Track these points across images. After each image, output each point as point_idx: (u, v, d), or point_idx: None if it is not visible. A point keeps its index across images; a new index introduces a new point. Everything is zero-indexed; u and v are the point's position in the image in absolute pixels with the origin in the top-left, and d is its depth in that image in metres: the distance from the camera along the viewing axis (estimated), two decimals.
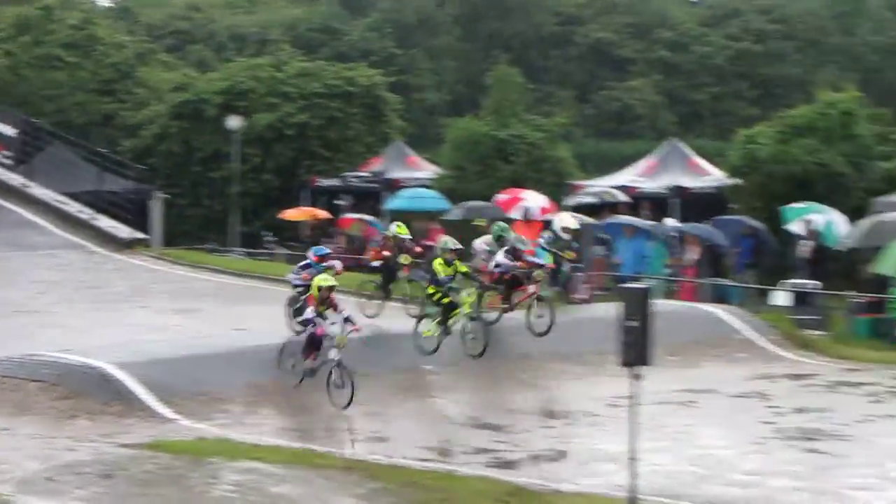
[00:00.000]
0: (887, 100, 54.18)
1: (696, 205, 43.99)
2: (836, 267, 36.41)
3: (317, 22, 78.90)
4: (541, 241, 29.88)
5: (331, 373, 23.42)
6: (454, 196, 46.85)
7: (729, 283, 37.14)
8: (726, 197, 44.88)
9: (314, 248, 26.88)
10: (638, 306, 15.95)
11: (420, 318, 26.84)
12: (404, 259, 28.35)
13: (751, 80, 77.62)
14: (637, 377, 15.91)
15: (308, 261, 26.22)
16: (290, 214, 50.40)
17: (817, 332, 32.49)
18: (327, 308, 24.14)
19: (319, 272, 25.36)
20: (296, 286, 26.56)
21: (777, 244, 38.53)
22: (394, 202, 48.70)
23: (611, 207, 43.67)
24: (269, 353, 26.84)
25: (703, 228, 38.91)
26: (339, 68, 59.83)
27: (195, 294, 38.27)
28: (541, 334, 26.81)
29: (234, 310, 34.24)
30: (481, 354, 26.13)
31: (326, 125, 56.92)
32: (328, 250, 26.70)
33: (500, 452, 21.48)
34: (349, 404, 23.18)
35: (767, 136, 44.87)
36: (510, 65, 59.25)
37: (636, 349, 15.86)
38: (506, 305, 27.20)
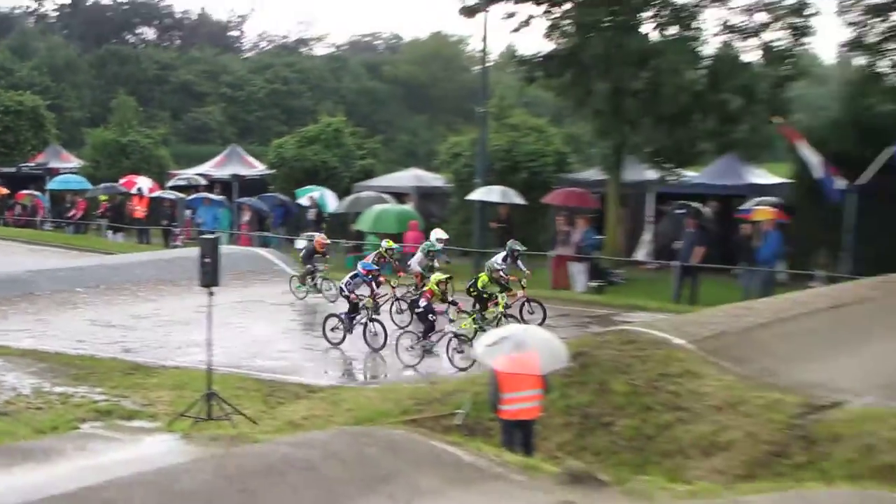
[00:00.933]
0: (362, 123, 55.39)
1: (249, 186, 43.93)
2: (332, 224, 37.03)
3: None
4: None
5: (450, 341, 19.63)
6: (93, 180, 45.62)
7: (269, 235, 37.46)
8: (267, 181, 45.01)
9: (363, 263, 22.64)
10: (211, 249, 16.13)
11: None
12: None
13: (281, 108, 78.15)
14: (211, 294, 16.06)
15: (357, 272, 21.88)
16: None
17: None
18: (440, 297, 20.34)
19: (366, 282, 21.51)
20: (347, 297, 21.47)
21: (298, 211, 38.97)
22: (52, 183, 46.91)
23: (195, 187, 43.27)
24: None
25: (253, 201, 39.11)
26: (13, 94, 57.27)
27: None
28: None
29: None
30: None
31: (4, 132, 54.41)
32: (375, 267, 22.33)
33: (126, 343, 21.19)
34: (469, 368, 18.63)
35: (291, 144, 45.07)
36: (127, 94, 57.89)
37: (210, 276, 16.05)
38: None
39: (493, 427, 13.61)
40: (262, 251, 33.11)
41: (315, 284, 26.31)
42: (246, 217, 38.44)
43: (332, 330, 21.30)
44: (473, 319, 20.96)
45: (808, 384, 13.80)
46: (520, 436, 12.60)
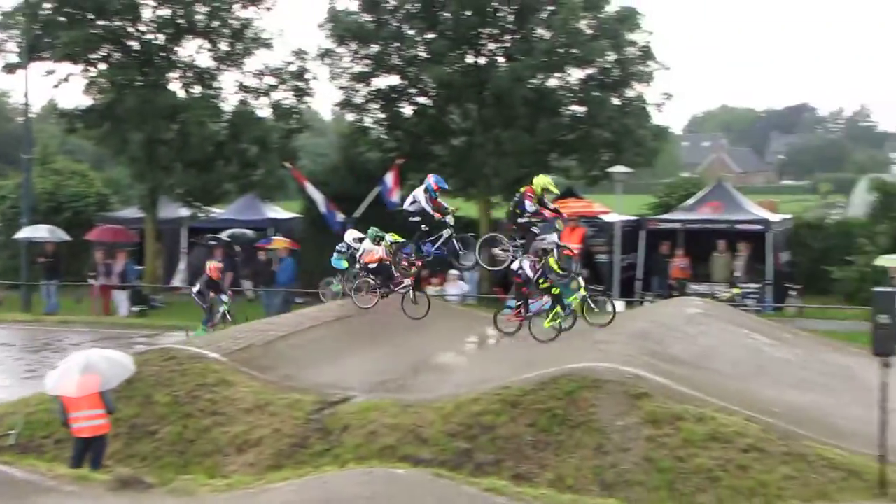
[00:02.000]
0: None
1: None
2: None
3: None
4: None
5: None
6: None
7: None
8: None
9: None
10: None
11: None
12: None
13: None
14: None
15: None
16: None
17: None
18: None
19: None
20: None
21: None
22: None
23: None
24: None
25: None
26: None
27: None
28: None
29: None
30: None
31: None
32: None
33: None
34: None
35: None
36: None
37: None
38: None
39: (45, 444, 12.76)
40: None
41: (222, 317, 20.59)
42: None
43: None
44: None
45: (323, 384, 14.07)
46: (89, 451, 11.97)
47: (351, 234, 19.25)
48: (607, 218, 28.31)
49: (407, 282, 17.42)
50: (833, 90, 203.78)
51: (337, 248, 19.21)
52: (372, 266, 17.72)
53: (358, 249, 18.37)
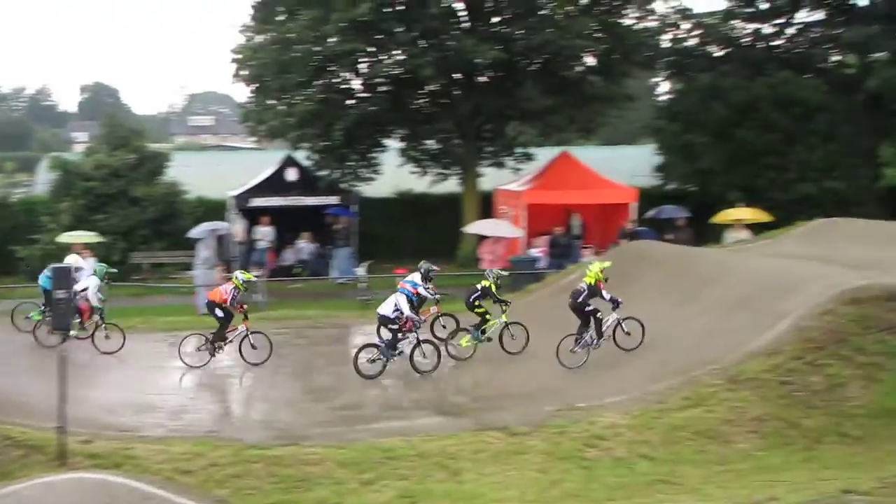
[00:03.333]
0: None
1: None
2: None
3: None
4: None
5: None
6: None
7: None
8: None
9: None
10: None
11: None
12: None
13: None
14: None
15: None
16: None
17: None
18: None
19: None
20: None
21: None
22: None
23: None
24: None
25: None
26: None
27: None
28: None
29: None
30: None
31: None
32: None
33: None
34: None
35: None
36: None
37: None
38: None
39: None
40: None
41: None
42: None
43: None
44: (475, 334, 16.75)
45: None
46: None
47: (72, 259, 17.11)
48: None
49: (242, 327, 16.13)
50: (14, 68, 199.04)
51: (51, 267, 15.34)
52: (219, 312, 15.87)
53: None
